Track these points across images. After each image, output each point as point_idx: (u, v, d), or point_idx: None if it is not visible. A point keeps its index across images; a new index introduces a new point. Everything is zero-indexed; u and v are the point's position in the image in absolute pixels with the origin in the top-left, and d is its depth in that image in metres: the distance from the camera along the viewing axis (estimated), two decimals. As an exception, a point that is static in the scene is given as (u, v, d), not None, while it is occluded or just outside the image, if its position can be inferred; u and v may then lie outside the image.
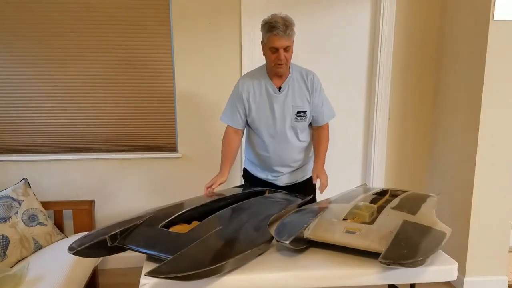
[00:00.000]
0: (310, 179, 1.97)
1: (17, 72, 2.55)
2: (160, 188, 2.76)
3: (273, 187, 2.04)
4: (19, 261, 2.06)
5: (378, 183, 2.90)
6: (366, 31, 2.77)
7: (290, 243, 1.26)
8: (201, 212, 1.59)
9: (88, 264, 2.06)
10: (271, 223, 1.53)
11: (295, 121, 1.92)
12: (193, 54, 2.64)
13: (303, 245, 1.38)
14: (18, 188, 2.27)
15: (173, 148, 2.77)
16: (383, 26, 2.70)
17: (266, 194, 1.92)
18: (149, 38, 2.60)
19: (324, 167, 1.97)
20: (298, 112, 1.91)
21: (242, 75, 2.01)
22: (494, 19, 2.24)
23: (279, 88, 1.90)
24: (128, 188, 2.74)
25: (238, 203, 1.64)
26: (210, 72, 2.67)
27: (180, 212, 1.49)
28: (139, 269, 2.73)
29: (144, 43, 2.60)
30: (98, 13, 2.54)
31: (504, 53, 2.28)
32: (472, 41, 2.40)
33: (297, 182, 2.08)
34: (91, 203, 2.48)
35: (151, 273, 1.06)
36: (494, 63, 2.29)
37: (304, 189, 2.04)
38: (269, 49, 1.80)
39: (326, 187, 1.86)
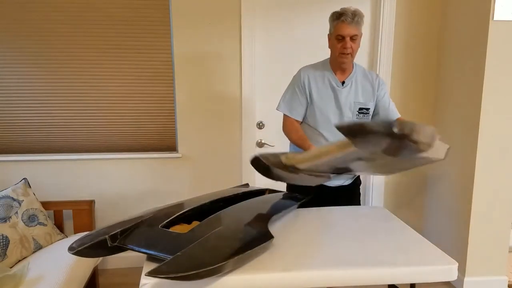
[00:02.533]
0: (357, 181, 1.98)
1: (17, 72, 2.55)
2: (160, 188, 2.76)
3: (321, 188, 1.98)
4: (19, 261, 2.06)
5: (378, 182, 2.91)
6: (366, 31, 2.77)
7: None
8: (201, 212, 1.59)
9: (88, 264, 2.06)
10: (271, 223, 1.53)
11: (357, 118, 1.89)
12: (193, 54, 2.64)
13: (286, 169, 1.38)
14: (18, 188, 2.27)
15: (173, 148, 2.77)
16: (383, 26, 2.70)
17: (266, 194, 1.92)
18: (149, 38, 2.60)
19: None
20: (360, 108, 1.88)
21: (303, 66, 1.94)
22: (494, 19, 2.24)
23: (343, 82, 1.86)
24: (128, 188, 2.74)
25: (238, 203, 1.64)
26: (210, 72, 2.67)
27: (180, 212, 1.49)
28: (139, 269, 2.73)
29: (144, 43, 2.60)
30: (98, 13, 2.54)
31: (504, 53, 2.28)
32: (472, 41, 2.40)
33: (345, 184, 2.02)
34: (91, 203, 2.48)
35: (151, 273, 1.06)
36: (494, 63, 2.29)
37: (351, 192, 2.03)
38: (335, 38, 1.76)
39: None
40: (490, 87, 2.31)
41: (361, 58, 2.79)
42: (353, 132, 1.15)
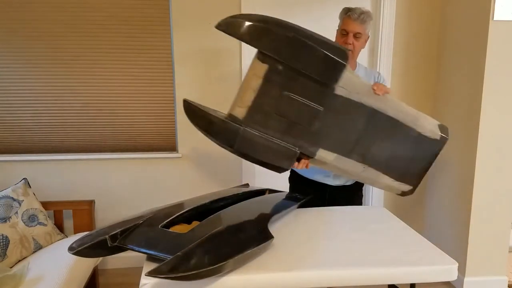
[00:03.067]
0: (359, 182, 1.98)
1: (17, 72, 2.55)
2: (160, 188, 2.76)
3: (323, 188, 1.98)
4: (19, 261, 2.06)
5: (378, 183, 2.91)
6: (366, 31, 2.77)
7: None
8: (201, 212, 1.59)
9: (88, 264, 2.06)
10: (271, 223, 1.53)
11: None
12: (193, 54, 2.64)
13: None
14: (18, 188, 2.27)
15: (173, 148, 2.77)
16: (383, 27, 2.70)
17: (266, 194, 1.92)
18: (149, 38, 2.60)
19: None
20: None
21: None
22: (494, 19, 2.24)
23: None
24: (128, 188, 2.74)
25: (238, 203, 1.64)
26: (210, 72, 2.67)
27: (180, 212, 1.49)
28: (139, 269, 2.73)
29: (144, 43, 2.60)
30: (98, 13, 2.54)
31: (504, 53, 2.28)
32: (472, 41, 2.40)
33: (347, 184, 2.00)
34: (91, 203, 2.47)
35: (151, 273, 1.06)
36: (494, 63, 2.29)
37: (352, 192, 2.02)
38: (340, 33, 1.80)
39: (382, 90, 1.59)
40: (490, 87, 2.31)
41: (361, 58, 2.79)
42: (230, 26, 1.03)
